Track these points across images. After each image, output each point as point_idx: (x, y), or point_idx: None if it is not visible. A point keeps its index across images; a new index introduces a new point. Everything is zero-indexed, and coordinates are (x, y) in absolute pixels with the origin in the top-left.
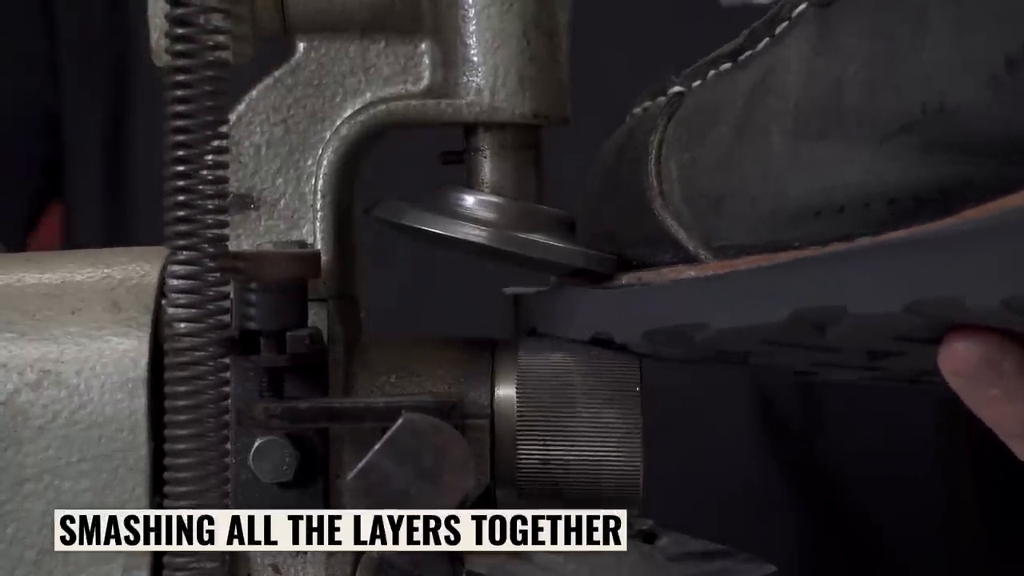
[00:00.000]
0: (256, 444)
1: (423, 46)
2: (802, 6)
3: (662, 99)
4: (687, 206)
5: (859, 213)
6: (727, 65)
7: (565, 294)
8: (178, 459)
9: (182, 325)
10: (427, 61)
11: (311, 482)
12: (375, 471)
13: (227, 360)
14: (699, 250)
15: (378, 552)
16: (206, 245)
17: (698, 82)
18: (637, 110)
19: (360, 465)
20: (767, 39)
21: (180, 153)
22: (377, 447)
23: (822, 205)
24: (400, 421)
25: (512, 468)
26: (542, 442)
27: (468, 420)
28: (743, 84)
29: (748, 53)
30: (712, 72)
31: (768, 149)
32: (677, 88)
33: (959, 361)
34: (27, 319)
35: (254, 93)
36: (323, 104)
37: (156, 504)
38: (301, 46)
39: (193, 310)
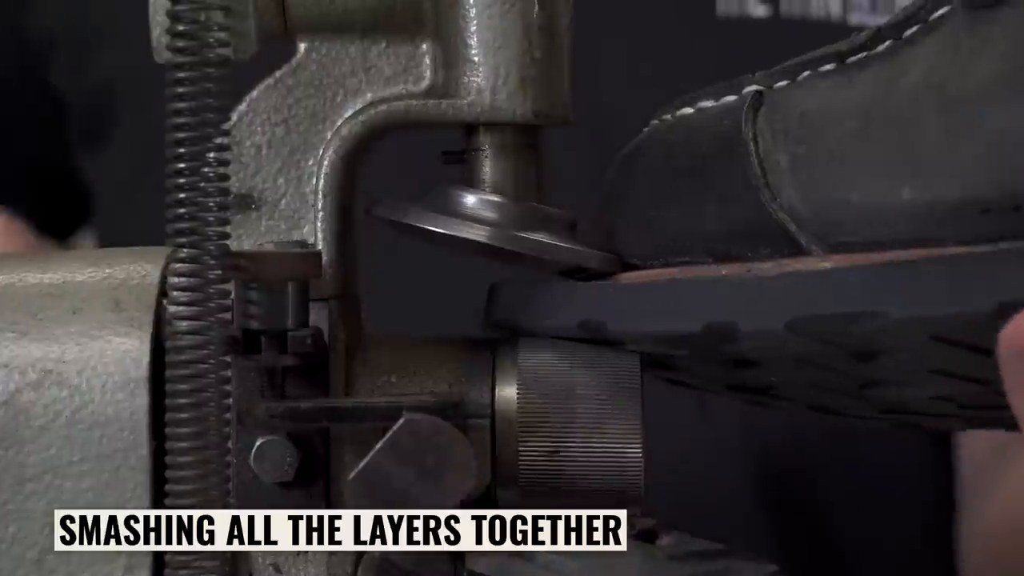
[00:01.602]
0: (257, 444)
1: (424, 46)
2: (944, 9)
3: (731, 99)
4: (802, 200)
5: None
6: (829, 66)
7: (631, 289)
8: (180, 458)
9: (183, 324)
10: (428, 61)
11: (312, 482)
12: (376, 471)
13: (228, 360)
14: (812, 244)
15: (379, 552)
16: (208, 244)
17: (784, 82)
18: (672, 115)
19: (361, 465)
20: (891, 41)
21: (181, 151)
22: (378, 447)
23: (995, 201)
24: (401, 421)
25: (514, 468)
26: (544, 441)
27: (469, 420)
28: (867, 83)
29: (863, 55)
30: (807, 73)
31: (923, 144)
32: (754, 87)
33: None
34: (29, 319)
35: (255, 93)
36: (324, 104)
37: (158, 504)
38: (302, 46)
39: (195, 308)
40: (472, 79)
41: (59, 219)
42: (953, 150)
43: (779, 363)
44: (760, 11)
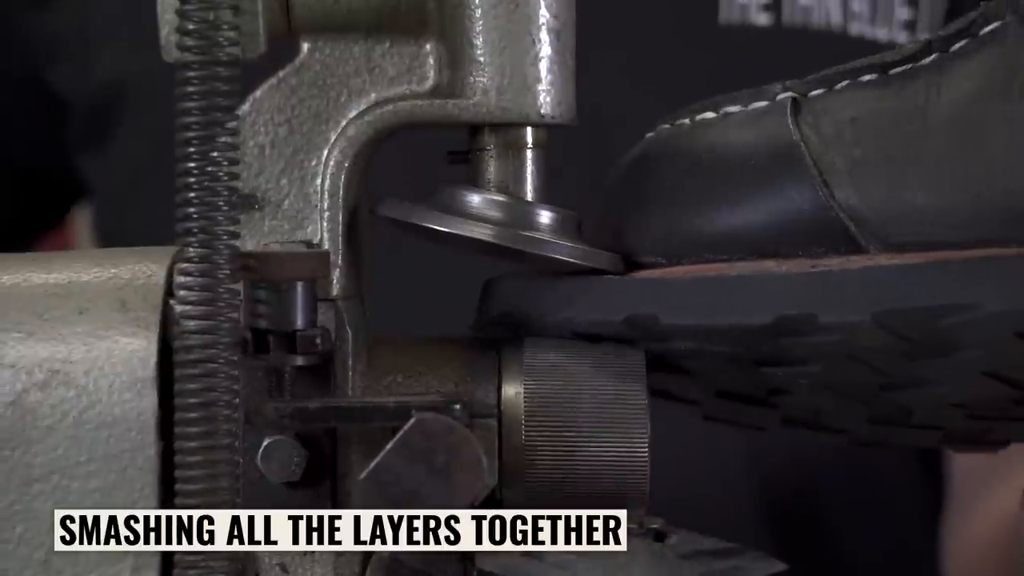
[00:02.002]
0: (264, 444)
1: (428, 47)
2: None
3: (762, 104)
4: (861, 200)
5: None
6: (871, 76)
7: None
8: (189, 458)
9: (193, 323)
10: (432, 62)
11: (319, 482)
12: (387, 471)
13: (237, 360)
14: (870, 243)
15: (387, 552)
16: (218, 243)
17: (820, 90)
18: (690, 120)
19: (372, 465)
20: (938, 54)
21: (191, 150)
22: (389, 447)
23: None
24: (412, 421)
25: (519, 468)
26: (550, 441)
27: (475, 419)
28: (920, 91)
29: (908, 66)
30: (845, 82)
31: (990, 148)
32: (789, 94)
33: None
34: (35, 319)
35: (258, 93)
36: (327, 105)
37: (166, 505)
38: (305, 46)
39: (205, 308)
40: (478, 79)
41: (34, 217)
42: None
43: (824, 360)
44: (762, 19)
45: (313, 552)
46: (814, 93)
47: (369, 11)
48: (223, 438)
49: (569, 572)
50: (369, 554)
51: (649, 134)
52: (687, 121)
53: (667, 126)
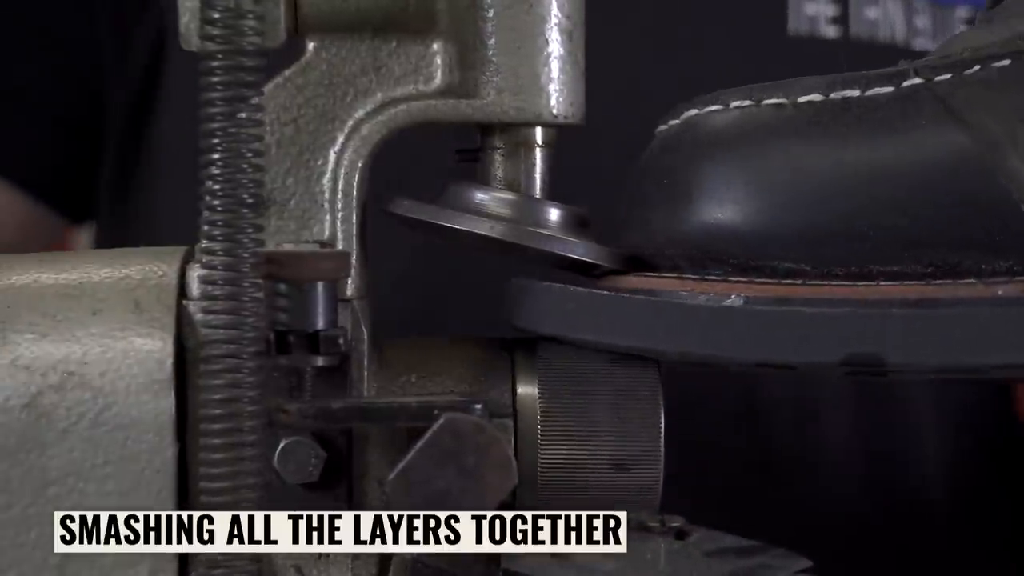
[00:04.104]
0: (282, 445)
1: (435, 46)
2: None
3: (887, 89)
4: None
5: None
6: (1005, 62)
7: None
8: (213, 455)
9: (216, 322)
10: (439, 62)
11: (336, 483)
12: (416, 471)
13: (262, 362)
14: None
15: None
16: (243, 239)
17: (946, 76)
18: (776, 99)
19: (401, 465)
20: None
21: (215, 141)
22: (418, 447)
23: None
24: (441, 421)
25: (534, 467)
26: (565, 440)
27: (492, 419)
28: None
29: None
30: (976, 67)
31: None
32: (917, 80)
33: None
34: (48, 320)
35: (264, 92)
36: (333, 104)
37: (184, 507)
38: (311, 46)
39: (229, 304)
40: (492, 79)
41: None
42: None
43: None
44: (831, 32)
45: (328, 554)
46: (940, 78)
47: (378, 11)
48: (248, 438)
49: (597, 573)
50: (387, 556)
51: (690, 115)
52: (785, 100)
53: (736, 105)
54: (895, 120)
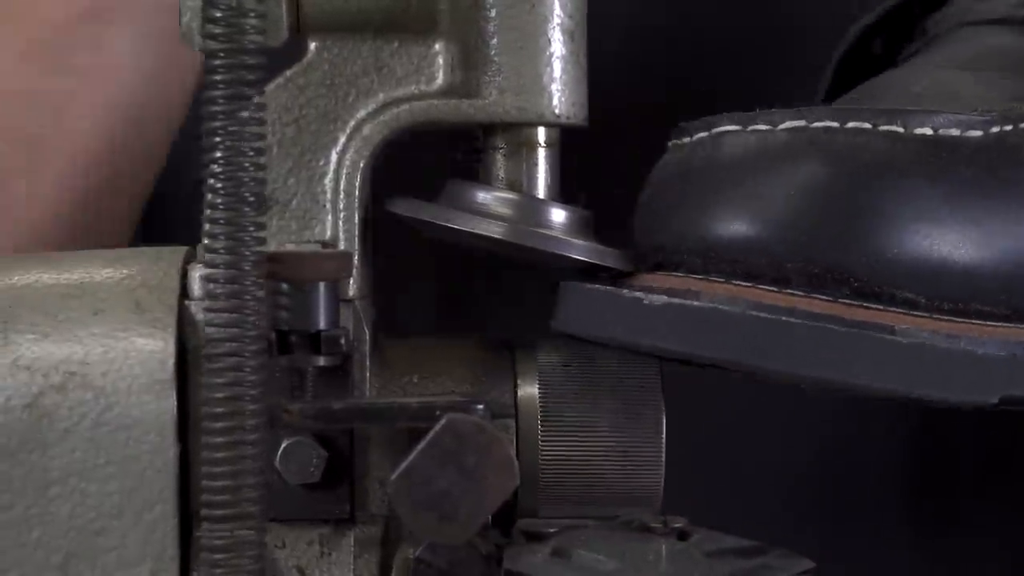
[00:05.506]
0: (283, 445)
1: (437, 46)
2: None
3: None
4: None
5: None
6: None
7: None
8: (215, 454)
9: (219, 321)
10: (441, 62)
11: (338, 483)
12: (418, 472)
13: (264, 362)
14: None
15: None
16: (246, 238)
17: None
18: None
19: (402, 466)
20: None
21: (216, 140)
22: (419, 448)
23: None
24: (443, 422)
25: (535, 467)
26: (566, 441)
27: (494, 420)
28: None
29: None
30: None
31: None
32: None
33: None
34: (49, 320)
35: (265, 93)
36: (335, 104)
37: (184, 507)
38: (312, 46)
39: (232, 304)
40: (494, 79)
41: None
42: None
43: None
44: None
45: (330, 554)
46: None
47: (379, 11)
48: (249, 438)
49: (598, 573)
50: (389, 556)
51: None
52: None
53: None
54: None
